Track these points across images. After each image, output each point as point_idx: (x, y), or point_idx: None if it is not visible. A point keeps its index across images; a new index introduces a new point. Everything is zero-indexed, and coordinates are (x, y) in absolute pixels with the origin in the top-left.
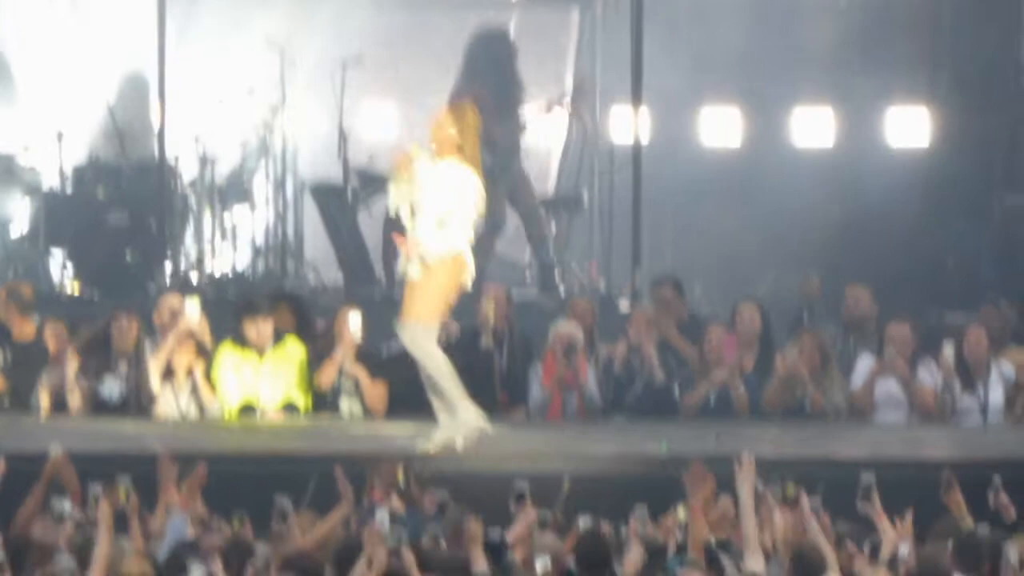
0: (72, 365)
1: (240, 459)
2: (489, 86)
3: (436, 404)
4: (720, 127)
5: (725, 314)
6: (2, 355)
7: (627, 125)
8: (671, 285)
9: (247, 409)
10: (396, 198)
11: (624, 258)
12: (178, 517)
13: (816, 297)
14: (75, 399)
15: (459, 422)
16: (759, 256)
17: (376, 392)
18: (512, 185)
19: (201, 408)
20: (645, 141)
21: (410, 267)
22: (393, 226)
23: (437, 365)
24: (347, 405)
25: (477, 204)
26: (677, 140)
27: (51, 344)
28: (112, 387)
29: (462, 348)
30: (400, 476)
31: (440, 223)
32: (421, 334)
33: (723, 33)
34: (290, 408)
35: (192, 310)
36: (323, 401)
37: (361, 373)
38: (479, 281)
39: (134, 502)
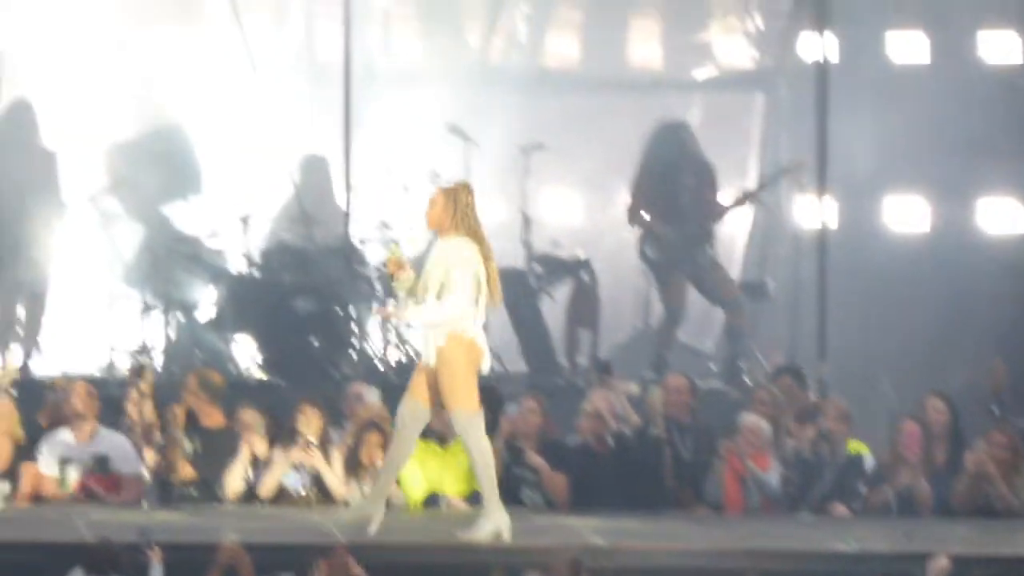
0: (262, 453)
1: (424, 550)
2: (666, 182)
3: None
4: (906, 213)
5: (911, 407)
6: (191, 443)
7: (813, 211)
8: (791, 375)
9: (431, 500)
10: (399, 289)
11: (809, 348)
12: None
13: (1004, 387)
14: (267, 487)
15: (487, 519)
16: (947, 345)
17: (557, 483)
18: (700, 274)
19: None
20: (831, 227)
21: (428, 352)
22: (576, 316)
23: (484, 456)
24: (528, 495)
25: (478, 275)
26: (863, 226)
27: (244, 432)
28: (296, 477)
29: (638, 440)
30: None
31: (438, 296)
32: (473, 421)
33: (909, 117)
34: (476, 498)
35: (373, 398)
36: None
37: (542, 463)
38: (661, 369)
39: None
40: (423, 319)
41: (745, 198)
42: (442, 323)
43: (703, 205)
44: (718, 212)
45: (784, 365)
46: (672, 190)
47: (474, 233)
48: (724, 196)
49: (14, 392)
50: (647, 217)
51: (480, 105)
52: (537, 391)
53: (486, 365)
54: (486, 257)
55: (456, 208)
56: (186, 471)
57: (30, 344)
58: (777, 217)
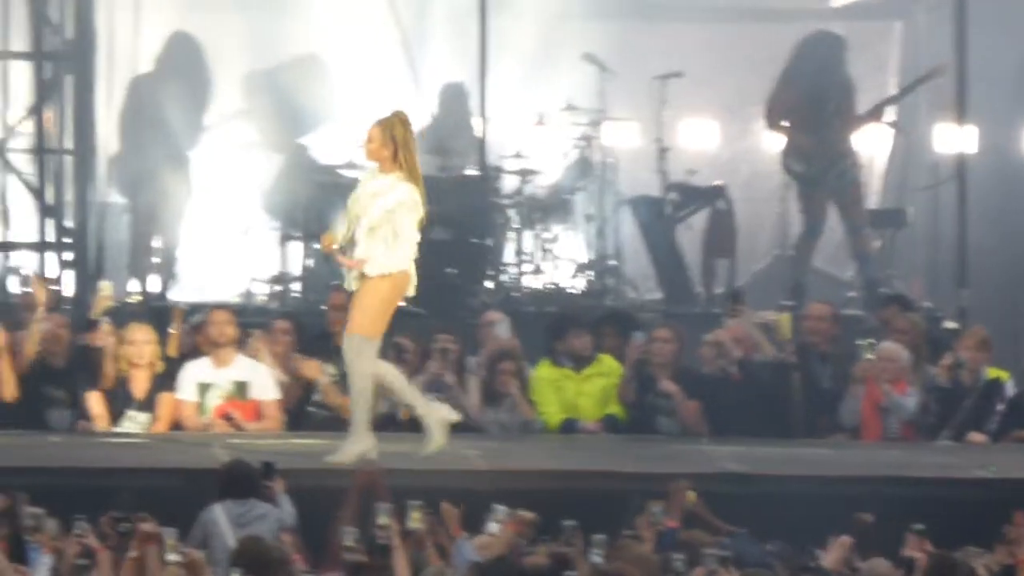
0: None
1: (558, 475)
2: (812, 91)
3: (419, 412)
4: None
5: None
6: (334, 368)
7: (952, 137)
8: (898, 303)
9: (566, 424)
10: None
11: (949, 275)
12: (466, 546)
13: None
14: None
15: (354, 443)
16: None
17: (690, 410)
18: (839, 193)
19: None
20: (971, 153)
21: (351, 279)
22: (713, 245)
23: (362, 384)
24: (663, 423)
25: (413, 212)
26: (1003, 152)
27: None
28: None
29: (771, 368)
30: (692, 499)
31: (371, 232)
32: (363, 346)
33: None
34: (610, 423)
35: (504, 327)
36: (642, 418)
37: (675, 390)
38: (798, 296)
39: (433, 524)
40: (376, 268)
41: (886, 103)
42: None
43: (846, 119)
44: (858, 123)
45: (892, 294)
46: (817, 100)
47: (413, 172)
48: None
49: (108, 319)
50: (789, 127)
51: (616, 34)
52: (673, 320)
53: (412, 289)
54: (420, 201)
55: (395, 143)
56: (331, 395)
57: (167, 272)
58: (917, 143)
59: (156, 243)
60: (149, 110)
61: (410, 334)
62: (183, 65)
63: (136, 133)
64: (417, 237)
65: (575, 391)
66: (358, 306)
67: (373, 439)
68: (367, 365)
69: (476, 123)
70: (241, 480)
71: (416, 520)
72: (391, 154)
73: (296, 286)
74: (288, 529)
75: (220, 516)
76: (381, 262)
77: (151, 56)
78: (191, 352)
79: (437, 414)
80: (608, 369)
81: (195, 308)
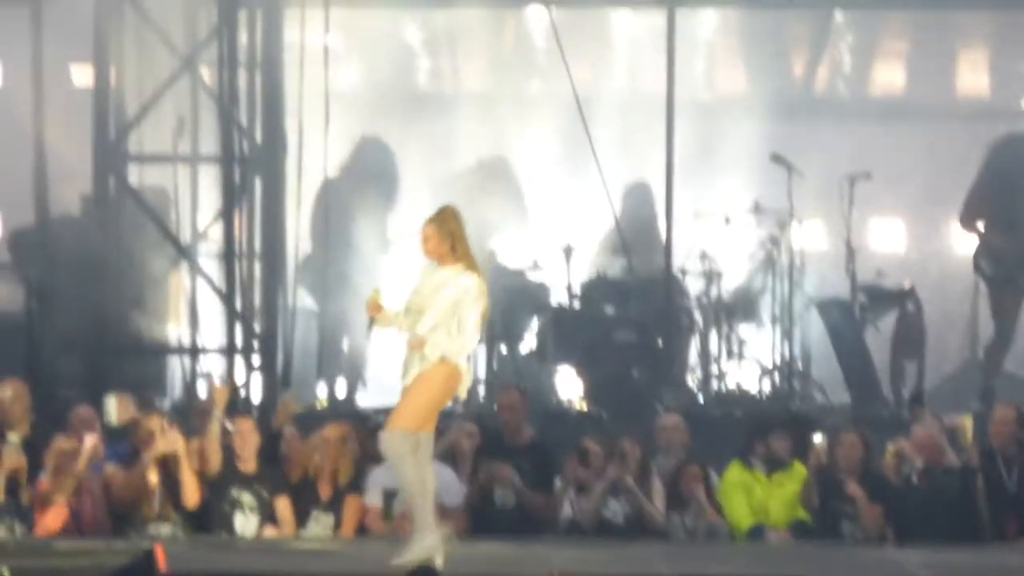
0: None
1: None
2: (1006, 192)
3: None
4: None
5: None
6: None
7: None
8: None
9: (755, 530)
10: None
11: None
12: None
13: None
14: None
15: (421, 542)
16: None
17: (874, 514)
18: None
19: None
20: None
21: (407, 373)
22: (901, 347)
23: (406, 477)
24: (847, 528)
25: (478, 302)
26: None
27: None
28: (616, 508)
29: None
30: None
31: (434, 328)
32: (398, 441)
33: None
34: (798, 528)
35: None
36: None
37: (859, 493)
38: (988, 400)
39: None
40: (436, 350)
41: None
42: (448, 355)
43: None
44: None
45: None
46: (1012, 202)
47: (471, 262)
48: None
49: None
50: (982, 227)
51: (804, 135)
52: (861, 423)
53: (463, 390)
54: (484, 292)
55: (452, 237)
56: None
57: (355, 376)
58: None
59: (345, 347)
60: (339, 214)
61: (595, 437)
62: (373, 170)
63: (326, 237)
64: (479, 334)
65: (765, 495)
66: (407, 398)
67: (439, 533)
68: (402, 457)
69: (661, 223)
70: None
71: None
72: (449, 248)
73: (481, 389)
74: None
75: None
76: (443, 346)
77: (339, 160)
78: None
79: (431, 539)
80: (799, 475)
81: (380, 412)
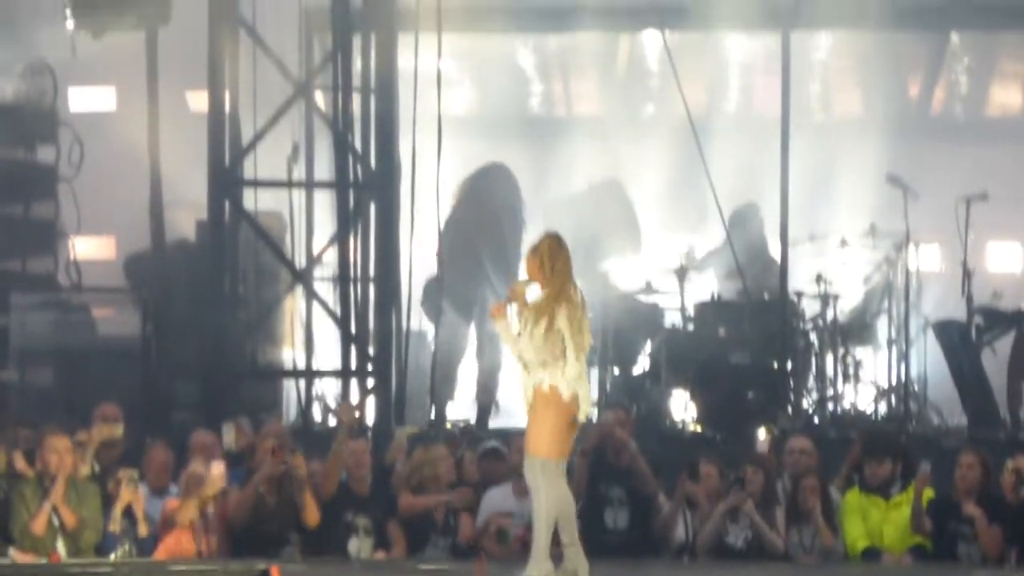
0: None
1: None
2: None
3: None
4: None
5: None
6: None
7: None
8: None
9: (870, 552)
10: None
11: None
12: None
13: None
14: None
15: (530, 569)
16: None
17: (992, 536)
18: None
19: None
20: None
21: (526, 396)
22: (1018, 369)
23: (541, 505)
24: (964, 550)
25: (583, 326)
26: None
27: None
28: (737, 533)
29: None
30: None
31: (543, 364)
32: (545, 468)
33: None
34: (916, 552)
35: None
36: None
37: (978, 514)
38: None
39: None
40: (570, 374)
41: None
42: (568, 379)
43: None
44: None
45: None
46: None
47: (565, 279)
48: None
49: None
50: None
51: (920, 156)
52: (977, 445)
53: (583, 414)
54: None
55: (552, 264)
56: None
57: (487, 398)
58: None
59: (461, 371)
60: (463, 238)
61: (713, 461)
62: (498, 194)
63: (450, 261)
64: (586, 350)
65: (881, 519)
66: (534, 426)
67: (550, 566)
68: (550, 488)
69: (773, 245)
70: None
71: None
72: (549, 272)
73: (594, 412)
74: None
75: None
76: (558, 376)
77: (456, 184)
78: (491, 478)
79: (578, 562)
80: (909, 497)
81: (502, 433)
